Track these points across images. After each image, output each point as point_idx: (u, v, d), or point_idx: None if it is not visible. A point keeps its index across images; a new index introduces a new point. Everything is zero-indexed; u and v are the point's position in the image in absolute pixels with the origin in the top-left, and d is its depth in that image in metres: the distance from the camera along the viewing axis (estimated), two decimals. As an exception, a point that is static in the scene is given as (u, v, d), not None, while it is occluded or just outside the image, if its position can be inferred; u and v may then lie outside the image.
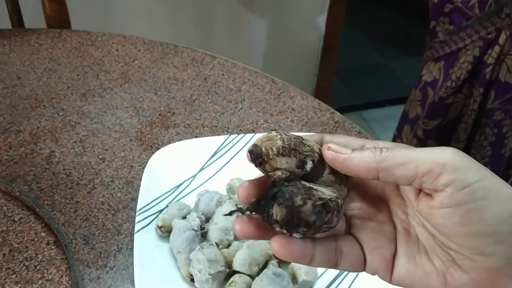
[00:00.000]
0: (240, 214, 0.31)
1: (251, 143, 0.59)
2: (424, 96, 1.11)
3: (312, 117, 0.70)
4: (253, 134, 0.60)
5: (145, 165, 0.55)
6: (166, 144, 0.60)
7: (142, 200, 0.51)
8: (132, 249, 0.51)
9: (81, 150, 0.63)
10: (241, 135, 0.59)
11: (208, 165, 0.57)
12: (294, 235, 0.29)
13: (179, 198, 0.54)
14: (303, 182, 0.30)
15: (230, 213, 0.32)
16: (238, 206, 0.32)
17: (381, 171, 0.29)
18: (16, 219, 0.54)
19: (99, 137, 0.65)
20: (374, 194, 0.34)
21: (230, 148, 0.59)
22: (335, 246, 0.31)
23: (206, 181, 0.56)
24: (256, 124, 0.68)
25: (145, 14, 1.40)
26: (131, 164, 0.61)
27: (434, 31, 1.05)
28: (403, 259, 0.31)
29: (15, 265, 0.49)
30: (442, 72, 1.05)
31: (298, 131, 0.67)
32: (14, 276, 0.49)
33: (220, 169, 0.57)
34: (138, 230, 0.49)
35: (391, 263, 0.31)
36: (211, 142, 0.59)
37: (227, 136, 0.59)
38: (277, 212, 0.28)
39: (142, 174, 0.54)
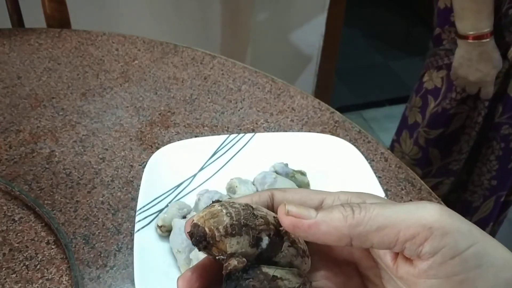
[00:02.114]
0: None
1: (251, 142, 0.60)
2: (424, 104, 1.09)
3: (312, 116, 0.70)
4: (253, 133, 0.60)
5: (145, 165, 0.55)
6: (166, 144, 0.60)
7: (142, 199, 0.51)
8: (132, 248, 0.51)
9: (81, 150, 0.63)
10: (241, 135, 0.59)
11: (208, 165, 0.57)
12: None
13: (179, 198, 0.54)
14: (265, 270, 0.24)
15: None
16: None
17: (355, 238, 0.25)
18: (16, 218, 0.54)
19: (99, 137, 0.64)
20: (340, 258, 0.29)
21: (230, 147, 0.59)
22: None
23: (206, 180, 0.56)
24: (256, 123, 0.68)
25: (145, 13, 1.40)
26: (131, 163, 0.61)
27: (439, 38, 1.03)
28: None
29: (15, 265, 0.49)
30: (445, 81, 1.03)
31: (298, 131, 0.67)
32: (14, 275, 0.49)
33: (220, 168, 0.57)
34: (138, 230, 0.49)
35: None
36: (211, 142, 0.59)
37: (227, 135, 0.59)
38: None
39: (142, 174, 0.54)
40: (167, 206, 0.52)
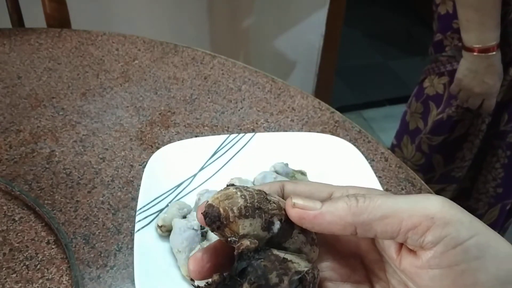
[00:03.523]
0: None
1: (251, 142, 0.60)
2: (425, 110, 1.08)
3: (312, 116, 0.70)
4: (253, 133, 0.60)
5: (145, 165, 0.55)
6: (166, 144, 0.60)
7: (142, 199, 0.51)
8: (132, 248, 0.51)
9: (81, 150, 0.63)
10: (241, 135, 0.59)
11: (208, 165, 0.57)
12: None
13: (179, 198, 0.54)
14: (275, 252, 0.25)
15: None
16: (195, 285, 0.27)
17: (359, 226, 0.25)
18: (16, 218, 0.54)
19: (99, 137, 0.65)
20: (346, 250, 0.30)
21: (230, 147, 0.59)
22: None
23: (206, 180, 0.56)
24: (256, 123, 0.68)
25: (145, 13, 1.40)
26: (131, 163, 0.61)
27: (440, 44, 1.01)
28: None
29: (15, 265, 0.49)
30: (447, 88, 1.01)
31: (298, 131, 0.67)
32: (14, 275, 0.49)
33: (220, 168, 0.57)
34: (138, 230, 0.49)
35: None
36: (211, 142, 0.59)
37: (227, 135, 0.59)
38: None
39: (142, 174, 0.54)
40: (167, 206, 0.52)
